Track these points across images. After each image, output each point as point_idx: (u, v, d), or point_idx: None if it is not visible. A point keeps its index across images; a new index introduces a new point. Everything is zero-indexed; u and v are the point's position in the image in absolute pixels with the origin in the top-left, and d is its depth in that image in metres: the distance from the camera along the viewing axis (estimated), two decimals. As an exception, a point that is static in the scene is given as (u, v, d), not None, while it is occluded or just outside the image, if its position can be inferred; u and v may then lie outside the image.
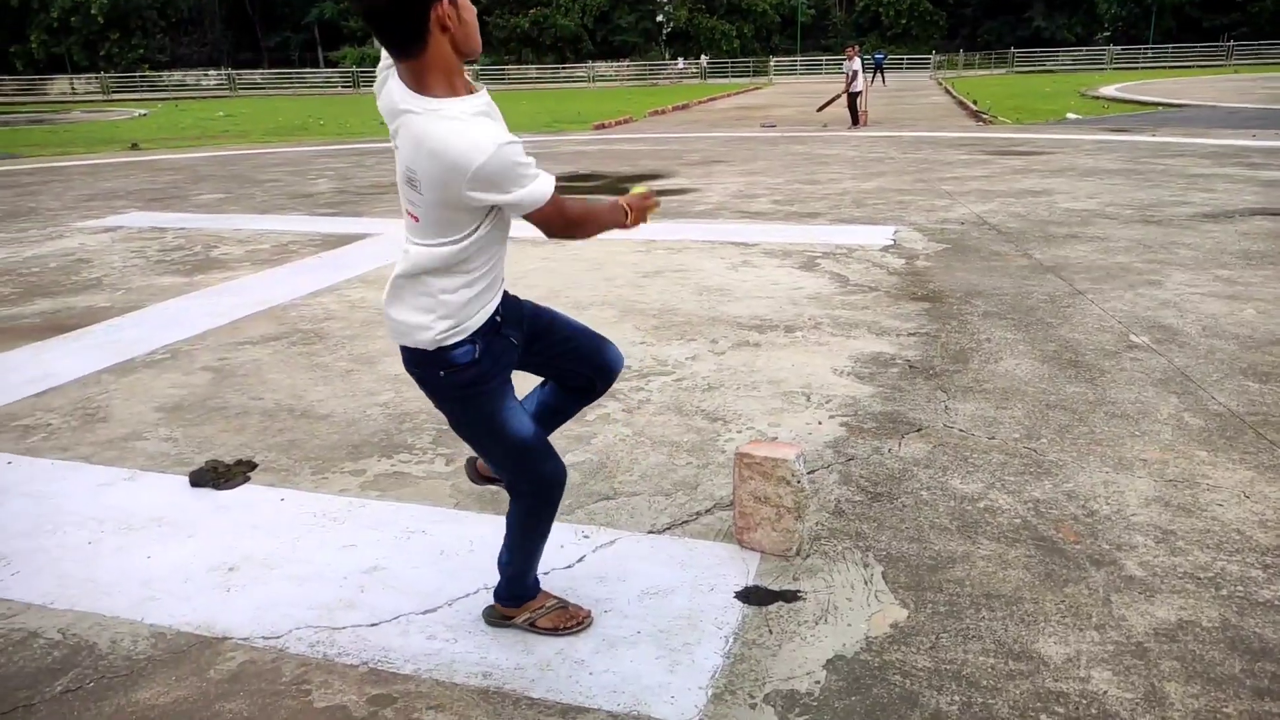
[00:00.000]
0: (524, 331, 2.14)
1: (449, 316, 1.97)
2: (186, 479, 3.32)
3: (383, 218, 9.12)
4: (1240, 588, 2.49)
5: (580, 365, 2.27)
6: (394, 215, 9.29)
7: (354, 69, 53.74)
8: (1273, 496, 2.99)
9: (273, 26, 64.68)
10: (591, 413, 3.85)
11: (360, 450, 3.58)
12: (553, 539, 2.82)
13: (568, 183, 11.51)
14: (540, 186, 1.86)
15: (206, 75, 54.21)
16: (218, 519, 3.04)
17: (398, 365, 4.58)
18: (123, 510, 3.11)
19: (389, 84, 1.89)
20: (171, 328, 5.37)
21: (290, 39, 64.90)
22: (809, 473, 3.18)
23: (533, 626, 2.37)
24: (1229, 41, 49.55)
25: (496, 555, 2.39)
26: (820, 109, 19.51)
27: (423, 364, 2.04)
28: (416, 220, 1.92)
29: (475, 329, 2.00)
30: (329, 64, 60.36)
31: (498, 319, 2.05)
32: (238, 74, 52.79)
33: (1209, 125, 16.17)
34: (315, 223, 9.02)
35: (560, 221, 1.96)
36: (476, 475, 2.52)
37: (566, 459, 3.41)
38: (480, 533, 2.89)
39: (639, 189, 2.16)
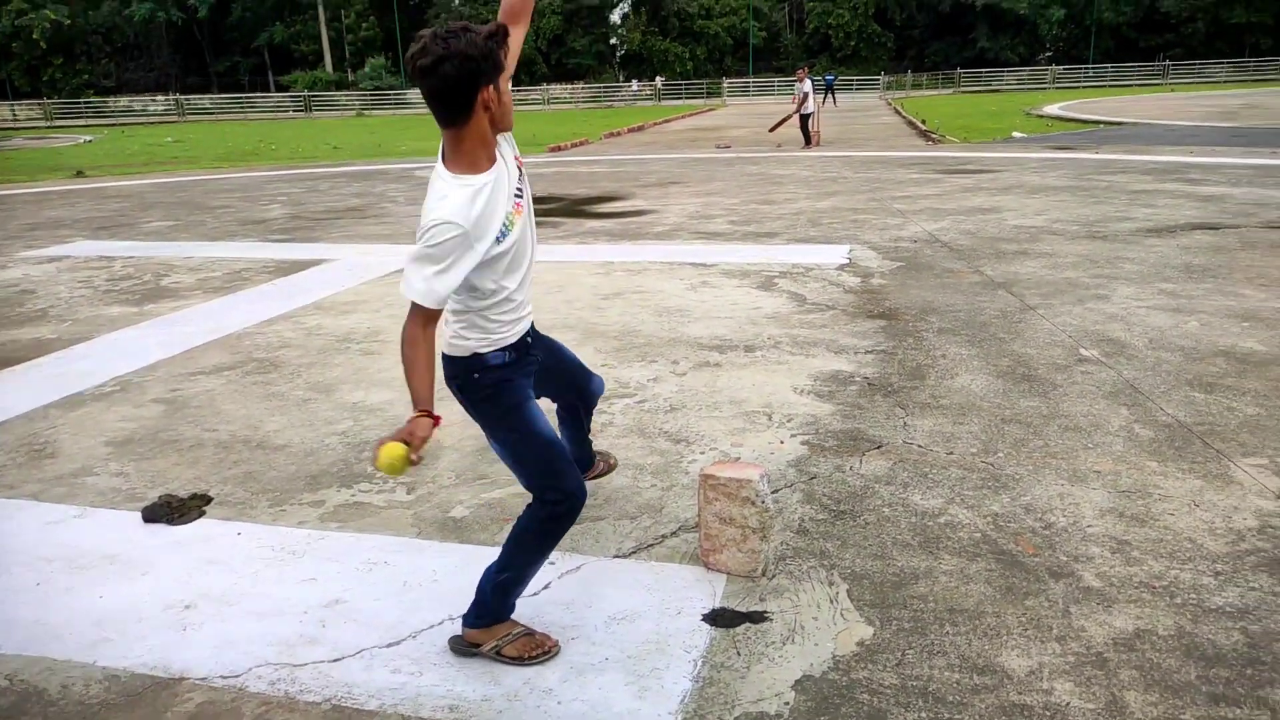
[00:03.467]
0: (543, 354, 2.50)
1: (484, 333, 2.28)
2: (139, 515, 3.24)
3: (337, 243, 9.03)
4: (1194, 595, 2.55)
5: (568, 390, 2.77)
6: (348, 240, 9.22)
7: (305, 93, 53.27)
8: (1221, 504, 3.07)
9: (221, 51, 63.88)
10: (554, 437, 3.83)
11: (319, 480, 3.53)
12: (518, 566, 2.82)
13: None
14: (407, 282, 2.09)
15: (154, 100, 53.07)
16: (173, 555, 2.96)
17: (356, 393, 4.56)
18: (73, 549, 3.02)
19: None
20: (121, 359, 5.25)
21: (240, 63, 64.13)
22: (773, 492, 3.19)
23: (499, 655, 2.34)
24: (1165, 61, 51.27)
25: (476, 582, 2.36)
26: (772, 129, 19.92)
27: (459, 371, 2.30)
28: None
29: (507, 344, 2.30)
30: (280, 88, 59.58)
31: (527, 340, 2.37)
32: (186, 99, 51.85)
33: (1148, 142, 16.68)
34: (269, 249, 8.90)
35: (403, 334, 2.13)
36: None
37: (530, 484, 3.43)
38: (444, 563, 2.86)
39: (405, 454, 2.04)
